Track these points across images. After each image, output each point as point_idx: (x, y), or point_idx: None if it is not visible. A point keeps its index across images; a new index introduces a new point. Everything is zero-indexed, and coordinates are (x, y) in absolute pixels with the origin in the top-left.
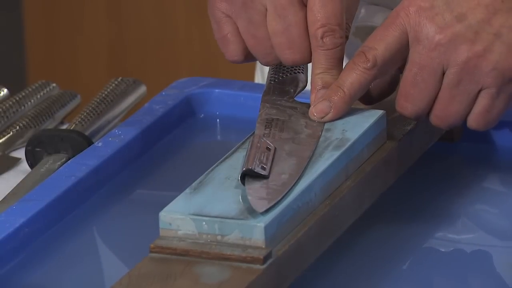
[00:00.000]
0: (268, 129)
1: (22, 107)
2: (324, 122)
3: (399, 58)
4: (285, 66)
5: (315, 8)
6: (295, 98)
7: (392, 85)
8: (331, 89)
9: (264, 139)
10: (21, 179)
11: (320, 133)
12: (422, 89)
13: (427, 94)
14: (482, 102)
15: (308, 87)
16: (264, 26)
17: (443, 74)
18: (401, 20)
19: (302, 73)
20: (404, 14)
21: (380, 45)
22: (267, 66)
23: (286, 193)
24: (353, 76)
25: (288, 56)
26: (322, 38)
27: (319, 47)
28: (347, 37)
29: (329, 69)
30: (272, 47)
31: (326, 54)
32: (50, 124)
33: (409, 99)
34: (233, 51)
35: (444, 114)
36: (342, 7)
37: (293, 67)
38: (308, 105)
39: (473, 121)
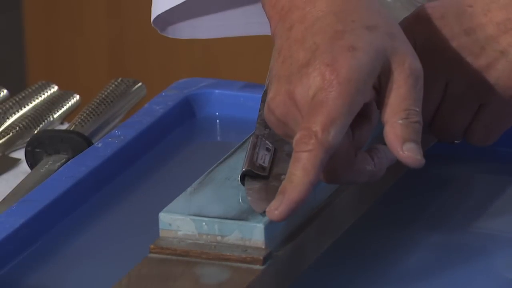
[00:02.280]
0: (268, 130)
1: (22, 108)
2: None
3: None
4: None
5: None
6: None
7: None
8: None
9: (264, 139)
10: (21, 180)
11: None
12: (424, 99)
13: (428, 104)
14: (481, 117)
15: None
16: None
17: (446, 85)
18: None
19: None
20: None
21: None
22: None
23: None
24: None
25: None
26: (296, 142)
27: (294, 152)
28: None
29: (289, 175)
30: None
31: (293, 158)
32: (50, 125)
33: None
34: None
35: (444, 126)
36: (333, 108)
37: None
38: None
39: (471, 136)
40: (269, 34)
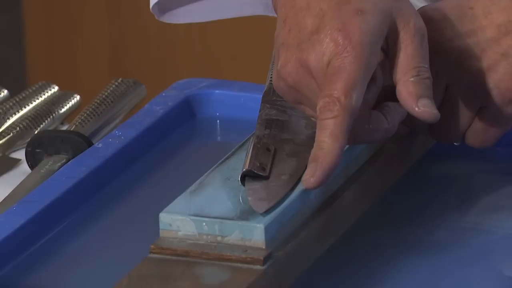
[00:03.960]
0: (268, 130)
1: (23, 108)
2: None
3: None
4: None
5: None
6: None
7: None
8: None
9: (264, 139)
10: (21, 180)
11: None
12: None
13: None
14: (481, 120)
15: None
16: None
17: (447, 87)
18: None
19: None
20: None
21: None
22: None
23: (286, 194)
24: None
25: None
26: (321, 109)
27: (319, 120)
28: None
29: (318, 141)
30: None
31: (319, 125)
32: (50, 125)
33: None
34: None
35: (444, 128)
36: (351, 73)
37: None
38: None
39: (470, 138)
40: (261, 14)
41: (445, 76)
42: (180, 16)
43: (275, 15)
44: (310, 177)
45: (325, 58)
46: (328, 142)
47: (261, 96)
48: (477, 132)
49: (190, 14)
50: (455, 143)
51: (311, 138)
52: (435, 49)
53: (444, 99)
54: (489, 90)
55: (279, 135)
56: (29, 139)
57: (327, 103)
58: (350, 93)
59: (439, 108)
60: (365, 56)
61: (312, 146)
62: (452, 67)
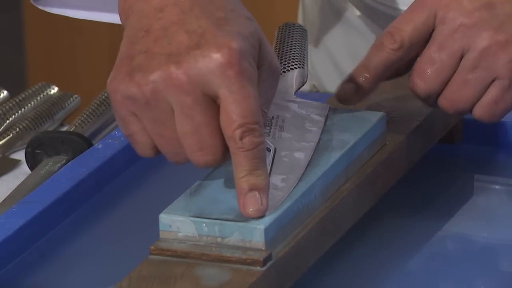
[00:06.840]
0: (269, 128)
1: (22, 109)
2: (350, 104)
3: (426, 40)
4: (283, 62)
5: (229, 108)
6: (295, 94)
7: (408, 66)
8: (357, 70)
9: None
10: (21, 181)
11: (320, 134)
12: (438, 68)
13: (441, 75)
14: (492, 92)
15: (308, 84)
16: (170, 125)
17: (461, 57)
18: (430, 2)
19: (302, 68)
20: None
21: (408, 27)
22: (177, 165)
23: (286, 195)
24: (379, 57)
25: (200, 158)
26: (241, 139)
27: (238, 149)
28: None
29: (252, 170)
30: (181, 147)
31: (247, 155)
32: (50, 126)
33: (423, 77)
34: (142, 149)
35: (454, 98)
36: (257, 103)
37: (293, 62)
38: (308, 103)
39: (479, 110)
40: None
41: (461, 45)
42: (53, 3)
43: None
44: (259, 206)
45: (209, 77)
46: (262, 169)
47: None
48: (487, 105)
49: (63, 4)
50: (463, 115)
51: (311, 139)
52: (454, 19)
53: (458, 69)
54: (504, 63)
55: (279, 133)
56: (29, 140)
57: (247, 133)
58: (258, 117)
59: (451, 76)
60: (253, 75)
61: (311, 147)
62: (470, 37)
